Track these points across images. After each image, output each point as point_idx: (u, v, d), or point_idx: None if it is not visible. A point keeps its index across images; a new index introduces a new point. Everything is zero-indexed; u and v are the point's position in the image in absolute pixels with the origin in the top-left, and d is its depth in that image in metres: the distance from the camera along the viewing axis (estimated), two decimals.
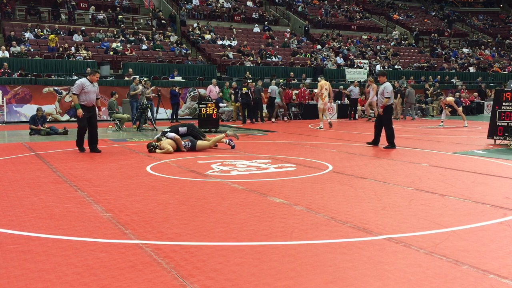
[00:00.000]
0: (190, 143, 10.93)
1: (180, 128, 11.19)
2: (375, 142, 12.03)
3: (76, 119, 11.10)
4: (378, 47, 35.53)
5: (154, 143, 10.90)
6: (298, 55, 30.66)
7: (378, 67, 30.82)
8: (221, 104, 20.87)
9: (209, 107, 16.13)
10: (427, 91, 26.66)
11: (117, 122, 16.80)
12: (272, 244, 4.39)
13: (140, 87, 17.13)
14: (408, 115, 23.41)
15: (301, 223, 5.07)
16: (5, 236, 4.64)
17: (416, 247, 4.30)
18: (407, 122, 21.49)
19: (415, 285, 3.50)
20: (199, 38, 29.54)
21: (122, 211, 5.57)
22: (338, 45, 33.82)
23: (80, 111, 10.52)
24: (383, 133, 11.77)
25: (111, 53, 25.00)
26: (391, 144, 11.60)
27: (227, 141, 11.52)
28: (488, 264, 3.90)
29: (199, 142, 11.05)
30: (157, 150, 10.69)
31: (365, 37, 36.99)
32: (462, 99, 23.66)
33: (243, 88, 19.66)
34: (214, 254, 4.12)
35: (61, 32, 26.02)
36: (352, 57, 31.99)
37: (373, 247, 4.33)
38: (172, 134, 10.84)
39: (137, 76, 18.83)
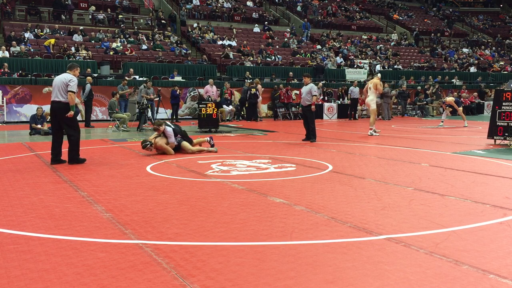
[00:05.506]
0: (180, 139, 10.76)
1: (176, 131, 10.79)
2: (308, 137, 13.27)
3: (72, 125, 9.20)
4: (378, 47, 35.52)
5: (149, 141, 10.60)
6: (298, 55, 30.65)
7: (378, 67, 30.82)
8: (225, 106, 20.97)
9: (209, 107, 16.13)
10: (427, 91, 26.65)
11: (117, 122, 16.81)
12: (272, 244, 4.38)
13: (126, 87, 18.61)
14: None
15: (301, 223, 5.06)
16: (5, 236, 4.64)
17: (416, 247, 4.30)
18: (404, 122, 21.48)
19: (415, 285, 3.50)
20: (199, 38, 29.54)
21: (122, 211, 5.57)
22: (338, 45, 33.82)
23: (72, 113, 9.06)
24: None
25: (111, 53, 24.99)
26: (314, 137, 13.11)
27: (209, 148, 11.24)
28: (488, 264, 3.90)
29: (184, 144, 10.79)
30: (155, 144, 10.51)
31: (365, 37, 36.98)
32: (462, 99, 23.66)
33: (252, 89, 20.83)
34: (214, 254, 4.12)
35: (61, 32, 26.02)
36: (352, 57, 31.97)
37: (373, 247, 4.33)
38: (170, 129, 10.51)
39: (127, 78, 19.66)
